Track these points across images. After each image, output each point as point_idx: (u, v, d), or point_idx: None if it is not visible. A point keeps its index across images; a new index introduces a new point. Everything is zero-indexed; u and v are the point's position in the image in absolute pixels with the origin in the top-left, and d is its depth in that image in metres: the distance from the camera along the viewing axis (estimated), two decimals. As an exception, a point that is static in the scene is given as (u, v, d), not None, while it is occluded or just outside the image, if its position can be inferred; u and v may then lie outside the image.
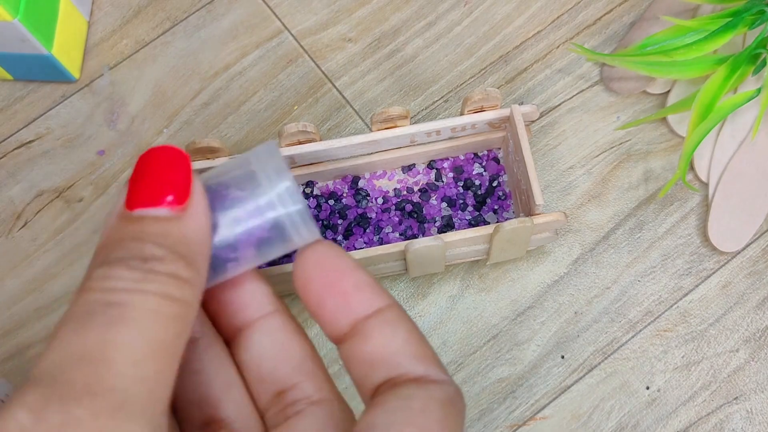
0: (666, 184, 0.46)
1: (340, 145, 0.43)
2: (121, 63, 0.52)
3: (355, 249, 0.45)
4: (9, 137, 0.50)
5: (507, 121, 0.43)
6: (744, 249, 0.46)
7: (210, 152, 0.42)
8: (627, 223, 0.47)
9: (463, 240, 0.41)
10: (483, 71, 0.50)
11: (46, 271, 0.47)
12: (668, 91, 0.48)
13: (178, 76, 0.51)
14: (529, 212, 0.42)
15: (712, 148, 0.47)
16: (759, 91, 0.44)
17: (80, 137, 0.50)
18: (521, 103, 0.49)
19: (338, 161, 0.45)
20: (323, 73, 0.51)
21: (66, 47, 0.49)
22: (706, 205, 0.47)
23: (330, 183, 0.46)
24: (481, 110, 0.43)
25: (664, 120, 0.48)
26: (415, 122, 0.49)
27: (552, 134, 0.49)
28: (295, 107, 0.50)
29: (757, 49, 0.44)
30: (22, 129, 0.50)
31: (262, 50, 0.52)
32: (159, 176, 0.21)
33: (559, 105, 0.49)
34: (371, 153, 0.45)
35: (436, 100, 0.50)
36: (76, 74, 0.51)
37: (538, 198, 0.40)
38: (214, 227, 0.21)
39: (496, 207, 0.46)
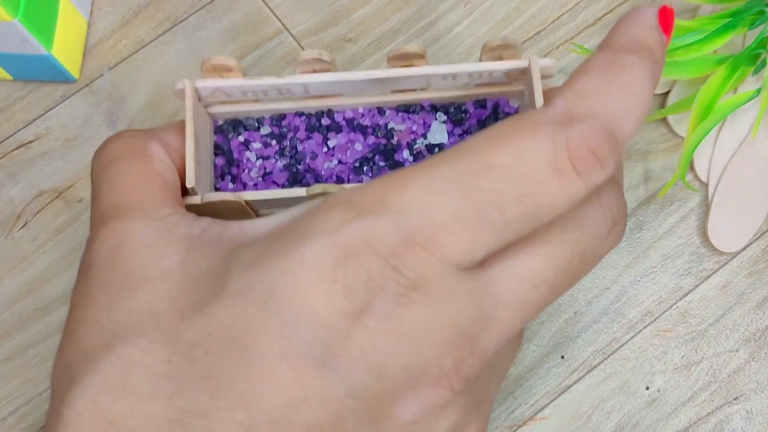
0: (666, 184, 0.46)
1: (355, 78, 0.40)
2: (121, 63, 0.52)
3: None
4: (9, 137, 0.50)
5: (524, 74, 0.41)
6: (744, 249, 0.46)
7: (225, 71, 0.40)
8: (627, 223, 0.47)
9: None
10: (483, 71, 0.50)
11: (46, 271, 0.47)
12: (668, 91, 0.48)
13: (178, 77, 0.51)
14: None
15: (712, 148, 0.47)
16: (759, 91, 0.44)
17: (80, 137, 0.50)
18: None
19: (351, 96, 0.42)
20: (323, 73, 0.51)
21: (66, 47, 0.49)
22: (706, 205, 0.47)
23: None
24: (500, 59, 0.40)
25: (664, 120, 0.48)
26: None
27: (552, 134, 0.49)
28: (295, 107, 0.50)
29: (757, 49, 0.44)
30: (21, 129, 0.50)
31: (262, 50, 0.52)
32: None
33: (559, 105, 0.49)
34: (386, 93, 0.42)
35: (436, 100, 0.50)
36: (76, 74, 0.51)
37: None
38: None
39: None
